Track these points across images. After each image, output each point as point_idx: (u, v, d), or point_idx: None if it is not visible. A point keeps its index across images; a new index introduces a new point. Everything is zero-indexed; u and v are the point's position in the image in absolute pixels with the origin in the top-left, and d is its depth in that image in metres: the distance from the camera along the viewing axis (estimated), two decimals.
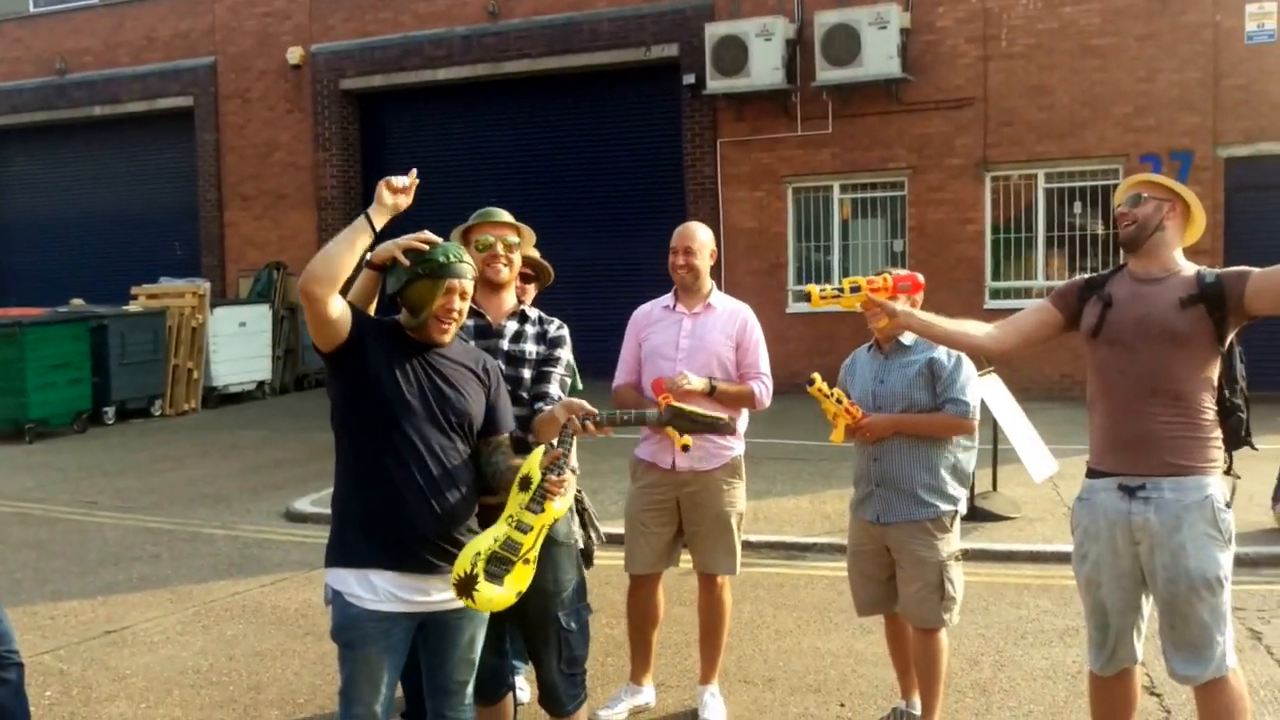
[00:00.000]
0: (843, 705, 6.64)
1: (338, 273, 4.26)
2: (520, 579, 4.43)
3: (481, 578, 4.31)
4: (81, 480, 14.39)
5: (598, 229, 21.06)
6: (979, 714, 6.45)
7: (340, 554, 4.47)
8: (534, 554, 4.46)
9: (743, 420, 6.45)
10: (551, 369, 5.22)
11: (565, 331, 5.38)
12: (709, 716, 6.40)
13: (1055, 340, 5.21)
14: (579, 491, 5.40)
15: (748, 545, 7.32)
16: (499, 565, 4.35)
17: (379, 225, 4.37)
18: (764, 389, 6.36)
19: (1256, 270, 4.71)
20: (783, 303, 19.91)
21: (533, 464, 4.42)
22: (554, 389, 5.16)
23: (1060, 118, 18.33)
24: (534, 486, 4.40)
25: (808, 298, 5.10)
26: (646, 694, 6.63)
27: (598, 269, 20.04)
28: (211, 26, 24.91)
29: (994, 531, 10.21)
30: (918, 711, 6.09)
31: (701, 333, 6.34)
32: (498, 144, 22.74)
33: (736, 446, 6.43)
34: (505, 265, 5.20)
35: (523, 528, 4.39)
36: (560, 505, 4.48)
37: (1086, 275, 5.08)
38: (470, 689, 4.74)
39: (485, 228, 5.24)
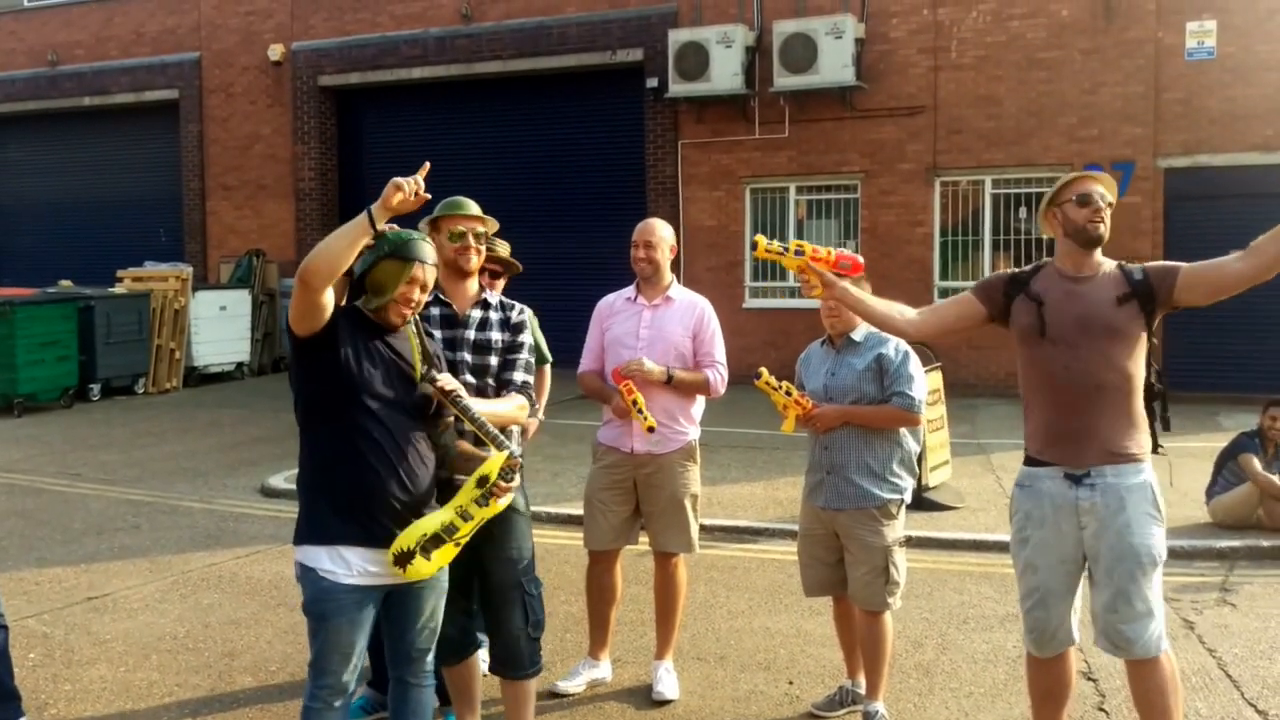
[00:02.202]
0: (791, 683, 6.60)
1: (338, 267, 4.21)
2: (445, 556, 4.48)
3: (418, 553, 4.36)
4: (67, 453, 14.26)
5: (563, 224, 21.01)
6: (922, 694, 6.42)
7: (311, 531, 4.42)
8: (465, 540, 4.51)
9: (698, 407, 6.49)
10: (516, 355, 5.19)
11: (526, 316, 5.36)
12: (663, 690, 6.35)
13: (975, 331, 5.19)
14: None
15: (703, 529, 7.28)
16: (434, 543, 4.40)
17: (380, 225, 4.28)
18: (719, 377, 6.38)
19: (1185, 266, 4.82)
20: (740, 298, 19.93)
21: (493, 467, 4.44)
22: (519, 375, 5.15)
23: (1007, 127, 18.37)
24: (489, 485, 4.45)
25: (754, 246, 5.04)
26: (604, 669, 6.59)
27: (562, 262, 19.92)
28: (197, 23, 24.78)
29: (939, 520, 10.20)
30: (863, 690, 6.06)
31: (660, 324, 6.33)
32: (469, 141, 22.62)
33: (692, 431, 6.44)
34: (476, 254, 5.19)
35: (466, 517, 4.43)
36: (503, 503, 4.57)
37: (1010, 271, 5.05)
38: (432, 655, 4.75)
39: (458, 219, 5.19)
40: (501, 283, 6.26)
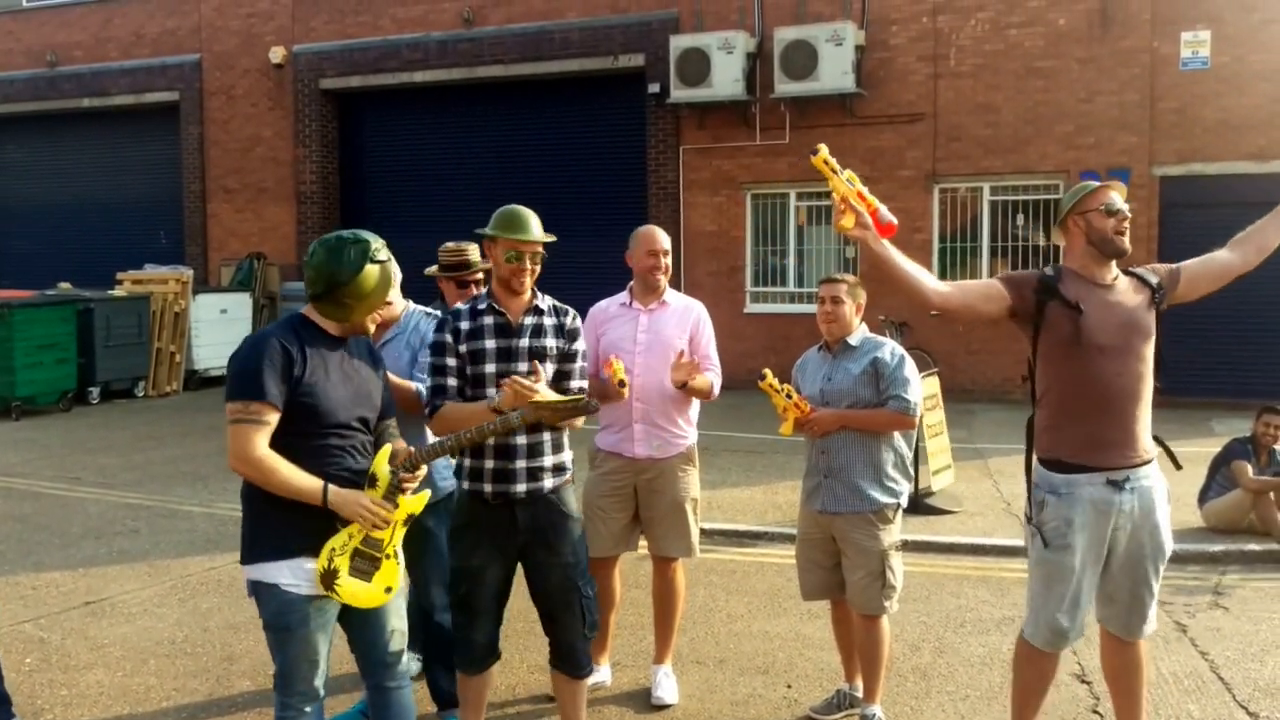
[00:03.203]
0: (789, 686, 6.65)
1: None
2: (389, 575, 4.45)
3: (344, 572, 4.32)
4: (65, 457, 14.27)
5: (563, 229, 20.28)
6: (919, 697, 6.47)
7: (268, 547, 4.39)
8: (394, 548, 4.47)
9: (694, 409, 6.51)
10: (573, 364, 5.19)
11: (580, 321, 5.33)
12: (662, 694, 6.39)
13: (989, 320, 5.20)
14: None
15: (703, 533, 7.31)
16: (365, 562, 4.37)
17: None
18: (716, 379, 6.40)
19: (1184, 264, 5.03)
20: (741, 303, 19.96)
21: (379, 462, 4.43)
22: (576, 384, 5.18)
23: (1005, 134, 18.42)
24: (382, 483, 4.40)
25: (815, 152, 4.86)
26: (603, 673, 6.62)
27: (563, 267, 19.70)
28: (198, 25, 24.76)
29: (936, 525, 10.24)
30: (860, 694, 6.11)
31: (658, 328, 6.35)
32: (470, 145, 22.68)
33: (691, 435, 6.47)
34: (530, 275, 5.14)
35: (377, 525, 4.38)
36: (414, 499, 4.51)
37: (1037, 273, 5.01)
38: (405, 658, 4.77)
39: (518, 244, 5.11)
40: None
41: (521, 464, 5.03)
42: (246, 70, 24.31)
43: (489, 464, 5.03)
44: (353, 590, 4.34)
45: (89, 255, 25.30)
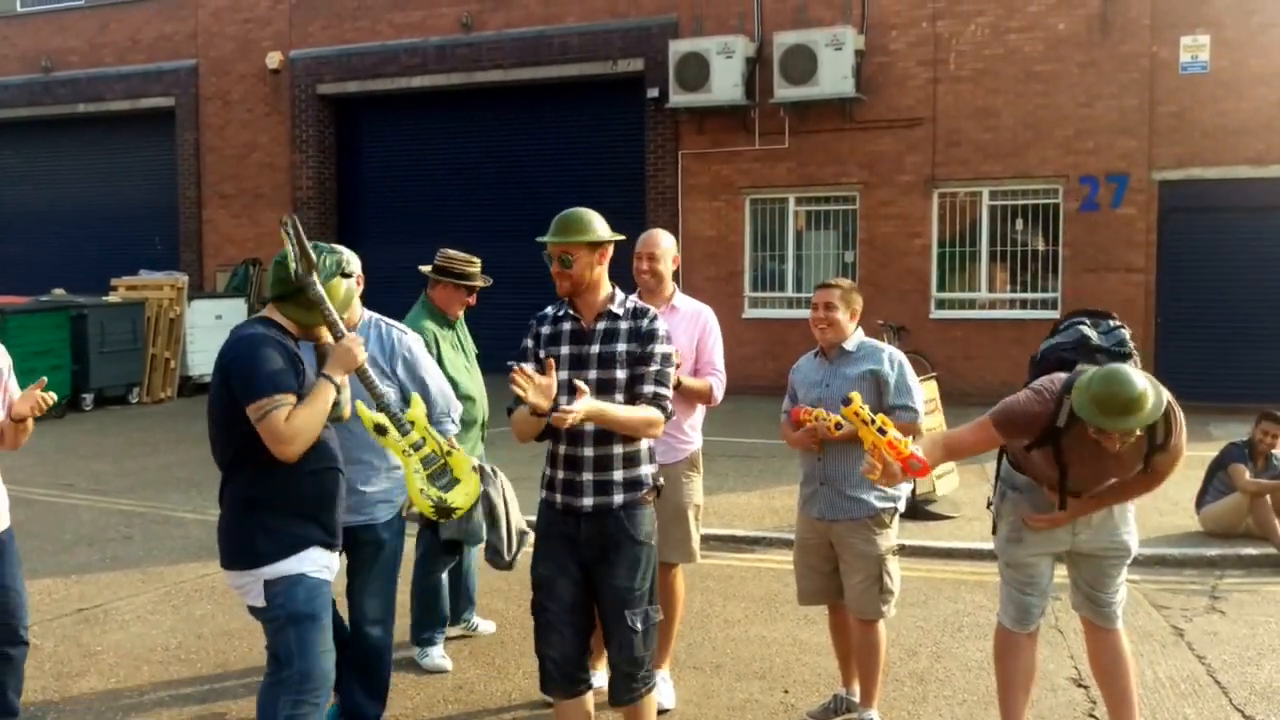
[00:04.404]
0: (786, 691, 6.66)
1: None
2: (461, 464, 4.83)
3: (444, 495, 4.68)
4: (59, 463, 14.25)
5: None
6: (916, 702, 6.49)
7: (282, 546, 4.52)
8: (443, 444, 4.86)
9: (700, 416, 6.51)
10: (645, 367, 4.88)
11: (659, 324, 5.00)
12: (659, 699, 6.38)
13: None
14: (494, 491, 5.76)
15: (700, 538, 7.32)
16: (440, 477, 4.70)
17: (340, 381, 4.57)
18: (719, 384, 6.40)
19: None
20: (739, 308, 19.98)
21: (367, 416, 4.80)
22: (648, 387, 4.87)
23: (1004, 139, 18.46)
24: (388, 422, 4.72)
25: (847, 401, 4.92)
26: (600, 677, 6.61)
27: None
28: (194, 30, 24.79)
29: (934, 530, 10.26)
30: (857, 698, 6.13)
31: None
32: (468, 150, 22.73)
33: (695, 441, 6.47)
34: (565, 279, 4.97)
35: (417, 445, 4.71)
36: (411, 408, 4.94)
37: (1044, 405, 5.01)
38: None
39: (549, 245, 5.05)
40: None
41: (588, 477, 4.88)
42: (243, 76, 24.34)
43: (560, 474, 4.94)
44: (458, 495, 4.72)
45: (84, 261, 25.31)
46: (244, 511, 4.57)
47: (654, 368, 4.90)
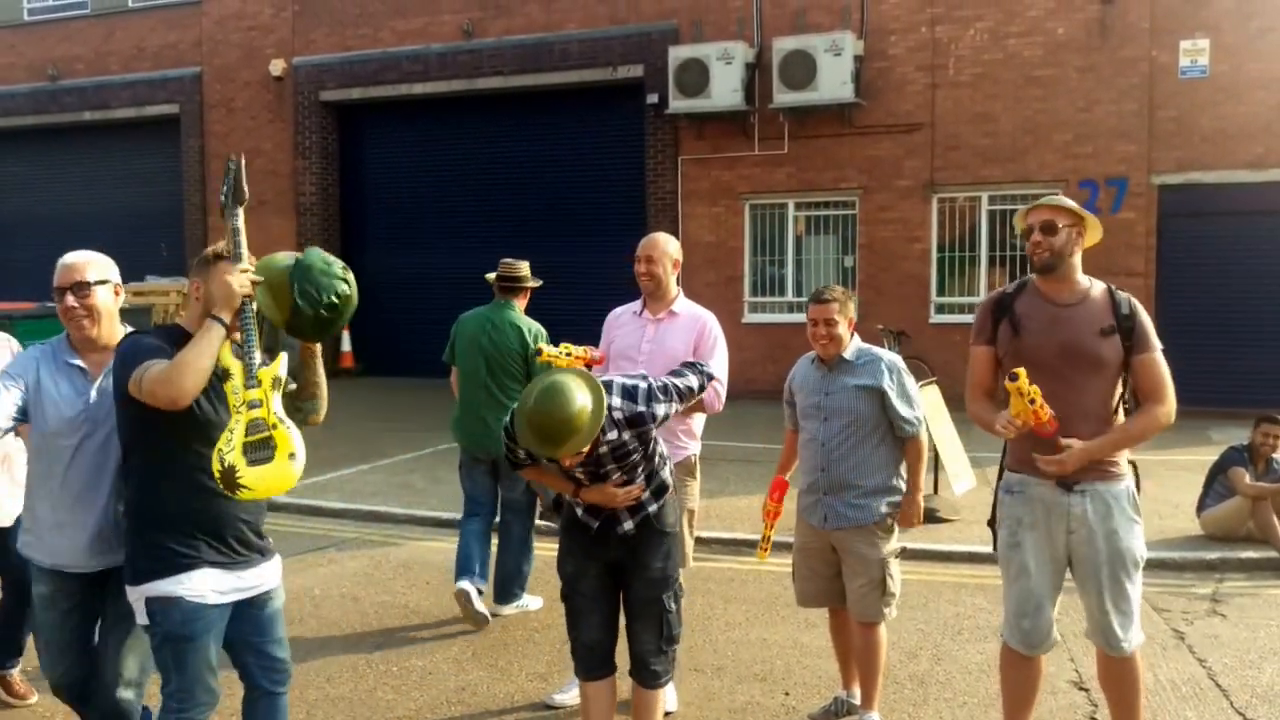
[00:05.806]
0: (787, 694, 6.65)
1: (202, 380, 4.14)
2: (285, 443, 4.19)
3: (241, 467, 4.09)
4: None
5: (563, 239, 20.89)
6: (916, 704, 6.48)
7: (164, 565, 4.31)
8: (278, 415, 4.23)
9: (699, 422, 6.47)
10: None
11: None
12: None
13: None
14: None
15: (701, 541, 7.33)
16: (258, 447, 4.14)
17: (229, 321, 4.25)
18: (714, 393, 6.12)
19: (1148, 357, 4.91)
20: (739, 313, 19.98)
21: (224, 356, 4.20)
22: (684, 379, 5.27)
23: (1003, 143, 18.46)
24: (238, 372, 4.21)
25: (1014, 377, 4.73)
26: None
27: (562, 278, 19.80)
28: (198, 38, 24.81)
29: (935, 533, 10.24)
30: (858, 701, 6.12)
31: (663, 338, 6.31)
32: (470, 156, 22.72)
33: (692, 446, 6.43)
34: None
35: (253, 405, 4.18)
36: (272, 365, 4.31)
37: (999, 291, 5.14)
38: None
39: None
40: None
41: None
42: (247, 83, 24.35)
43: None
44: (258, 477, 4.12)
45: None
46: (133, 525, 4.42)
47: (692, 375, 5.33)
